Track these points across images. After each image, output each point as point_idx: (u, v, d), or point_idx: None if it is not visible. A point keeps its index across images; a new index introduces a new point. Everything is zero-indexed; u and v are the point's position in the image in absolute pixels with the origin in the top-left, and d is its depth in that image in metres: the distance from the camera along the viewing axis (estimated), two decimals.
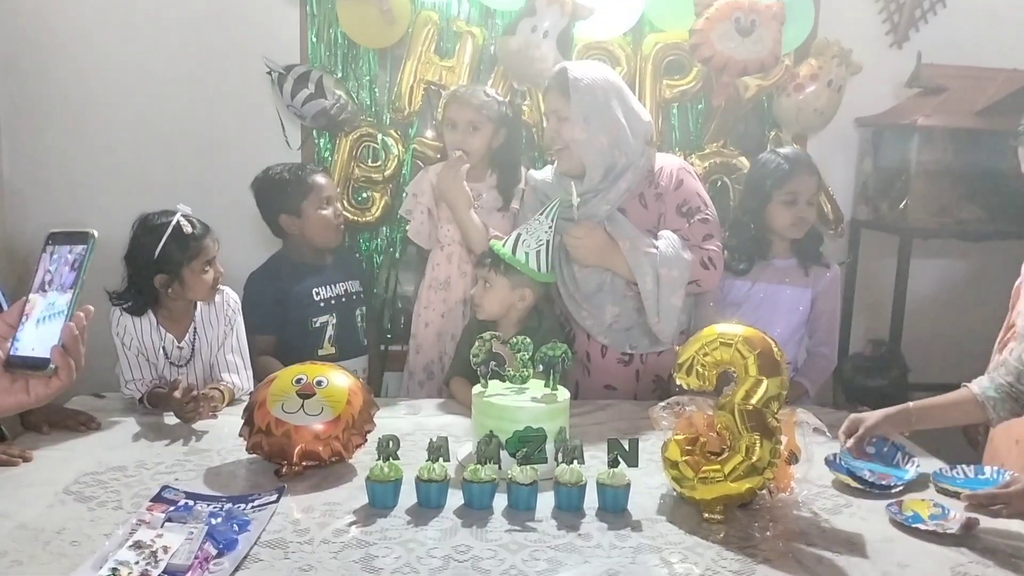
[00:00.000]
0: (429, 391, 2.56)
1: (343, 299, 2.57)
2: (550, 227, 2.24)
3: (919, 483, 1.80)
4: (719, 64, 2.65)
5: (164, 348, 2.17)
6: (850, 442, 1.82)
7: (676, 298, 2.27)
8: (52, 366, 1.00)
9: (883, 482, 1.79)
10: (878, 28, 3.07)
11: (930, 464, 1.89)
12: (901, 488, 1.77)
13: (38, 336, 1.01)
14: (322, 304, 2.52)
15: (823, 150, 3.04)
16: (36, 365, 1.00)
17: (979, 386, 1.84)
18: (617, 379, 2.38)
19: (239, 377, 2.25)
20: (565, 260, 2.35)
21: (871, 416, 1.84)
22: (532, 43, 2.66)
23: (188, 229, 2.08)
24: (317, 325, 2.50)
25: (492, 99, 2.53)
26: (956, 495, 1.73)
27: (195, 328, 2.21)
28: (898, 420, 1.85)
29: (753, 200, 2.49)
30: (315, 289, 2.51)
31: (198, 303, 2.22)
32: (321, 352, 2.50)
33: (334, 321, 2.53)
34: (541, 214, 2.25)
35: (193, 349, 2.21)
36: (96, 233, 1.03)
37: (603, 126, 2.25)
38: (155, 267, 2.08)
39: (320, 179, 2.51)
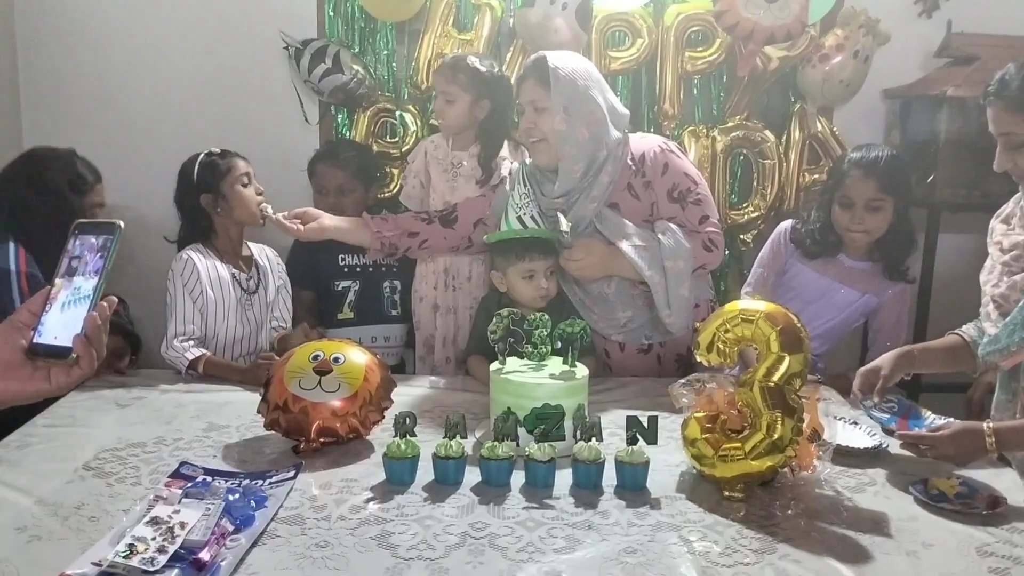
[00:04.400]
0: (430, 365, 2.58)
1: (370, 268, 2.65)
2: (529, 192, 2.27)
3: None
4: (745, 32, 2.61)
5: (234, 275, 2.35)
6: (875, 395, 1.84)
7: (684, 288, 2.23)
8: (74, 355, 1.00)
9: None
10: None
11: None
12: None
13: (62, 323, 1.01)
14: (346, 269, 2.65)
15: (849, 122, 3.00)
16: (58, 353, 1.00)
17: (968, 332, 1.92)
18: (640, 368, 2.35)
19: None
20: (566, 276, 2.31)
21: (882, 363, 1.87)
22: (551, 15, 2.64)
23: (216, 150, 2.34)
24: (339, 288, 2.64)
25: (472, 68, 2.44)
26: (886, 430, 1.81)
27: (256, 262, 2.44)
28: (903, 362, 1.90)
29: (825, 193, 2.43)
30: (342, 255, 2.63)
31: (251, 245, 2.46)
32: (340, 315, 2.67)
33: (356, 287, 2.65)
34: (520, 185, 2.27)
35: (259, 279, 2.43)
36: (123, 224, 1.04)
37: (583, 118, 2.17)
38: (198, 189, 2.31)
39: (321, 168, 2.64)
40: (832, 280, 2.36)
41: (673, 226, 2.23)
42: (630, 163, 2.24)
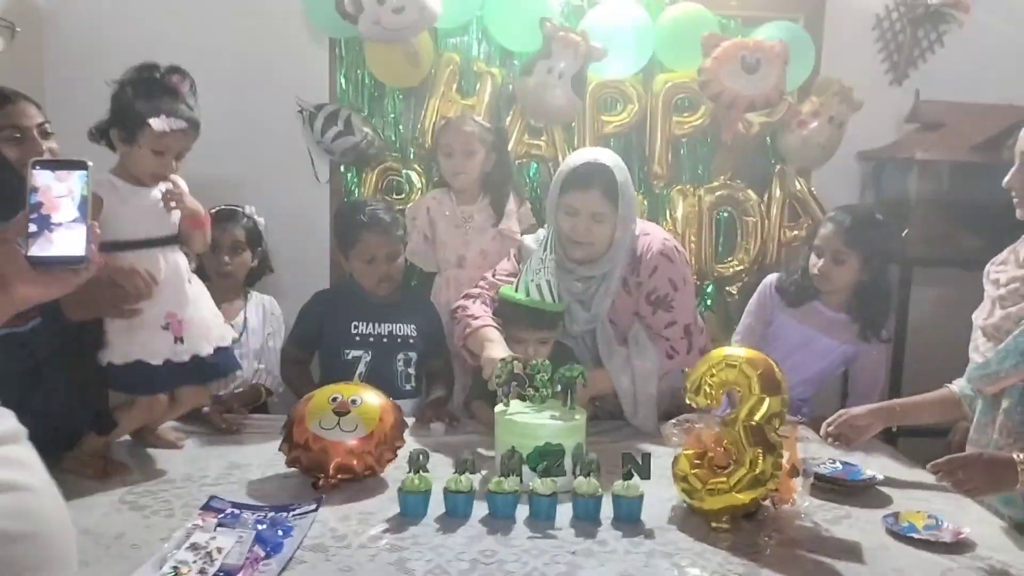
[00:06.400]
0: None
1: (384, 339, 2.55)
2: (551, 258, 2.26)
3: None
4: (727, 100, 2.80)
5: None
6: (831, 428, 2.04)
7: (652, 387, 2.32)
8: (84, 261, 1.17)
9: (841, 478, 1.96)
10: (878, 66, 3.22)
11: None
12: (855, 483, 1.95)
13: (58, 238, 1.16)
14: (358, 338, 2.53)
15: (827, 183, 3.19)
16: (70, 262, 1.17)
17: (957, 385, 2.04)
18: None
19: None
20: None
21: (858, 409, 2.05)
22: (548, 83, 2.82)
23: None
24: (349, 358, 2.52)
25: (480, 125, 2.71)
26: (833, 482, 1.93)
27: (245, 314, 2.58)
28: (882, 414, 2.08)
29: (805, 243, 2.64)
30: (355, 322, 2.54)
31: (253, 295, 2.63)
32: None
33: (368, 358, 2.52)
34: (540, 249, 2.26)
35: (243, 329, 2.54)
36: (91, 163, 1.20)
37: (632, 222, 2.30)
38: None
39: (369, 237, 2.51)
40: (812, 329, 2.53)
41: (642, 334, 2.33)
42: (630, 258, 2.33)
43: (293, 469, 1.91)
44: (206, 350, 1.96)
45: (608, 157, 2.30)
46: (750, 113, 2.94)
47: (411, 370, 2.59)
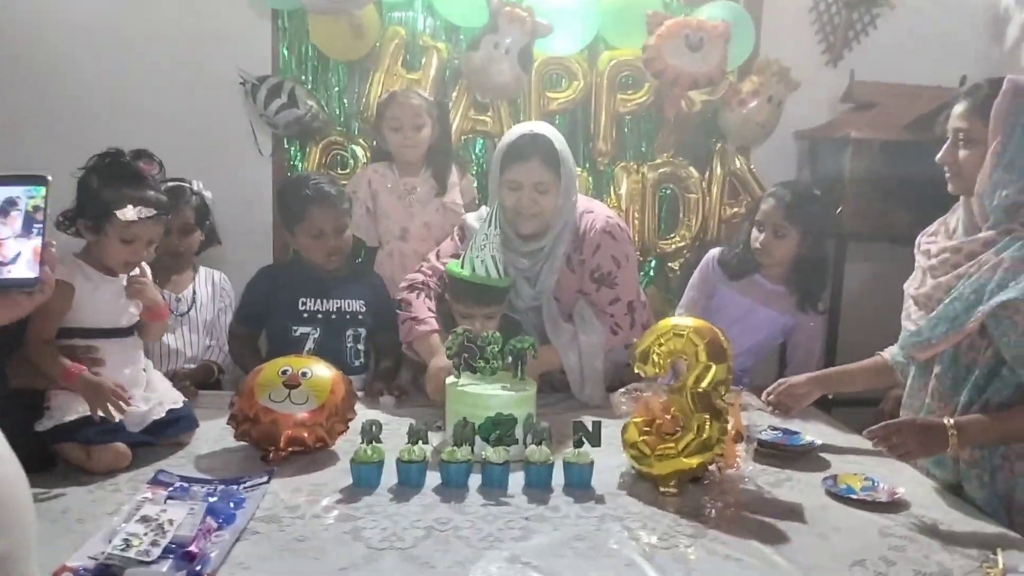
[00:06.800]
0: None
1: (332, 315, 2.52)
2: (496, 233, 2.24)
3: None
4: (670, 77, 2.84)
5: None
6: (771, 396, 2.15)
7: (599, 362, 2.34)
8: (38, 284, 1.16)
9: (782, 444, 2.03)
10: (815, 47, 3.30)
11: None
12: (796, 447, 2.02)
13: (14, 260, 1.15)
14: (306, 315, 2.50)
15: (764, 161, 3.25)
16: (24, 284, 1.16)
17: (889, 353, 2.13)
18: None
19: None
20: None
21: (797, 377, 2.18)
22: (494, 58, 2.81)
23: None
24: (297, 334, 2.49)
25: (425, 99, 2.72)
26: (775, 448, 2.00)
27: (195, 287, 2.55)
28: (820, 382, 2.21)
29: (747, 218, 2.70)
30: (302, 299, 2.50)
31: (201, 270, 2.58)
32: None
33: (316, 335, 2.49)
34: (485, 224, 2.24)
35: (192, 302, 2.53)
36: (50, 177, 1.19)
37: (574, 192, 2.32)
38: None
39: (316, 211, 2.46)
40: (753, 301, 2.61)
41: (587, 311, 2.36)
42: (573, 235, 2.35)
43: (242, 443, 1.89)
44: (157, 413, 1.90)
45: (544, 128, 2.32)
46: (692, 91, 2.99)
47: (360, 346, 2.57)
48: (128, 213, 1.78)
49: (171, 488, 1.64)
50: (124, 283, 1.89)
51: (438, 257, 2.45)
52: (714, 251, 2.72)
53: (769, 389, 2.22)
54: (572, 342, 2.33)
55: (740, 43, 3.00)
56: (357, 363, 2.56)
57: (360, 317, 2.56)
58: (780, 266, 2.60)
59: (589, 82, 3.06)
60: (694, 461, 1.73)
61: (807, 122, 3.25)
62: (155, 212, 1.83)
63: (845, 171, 3.03)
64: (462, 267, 2.26)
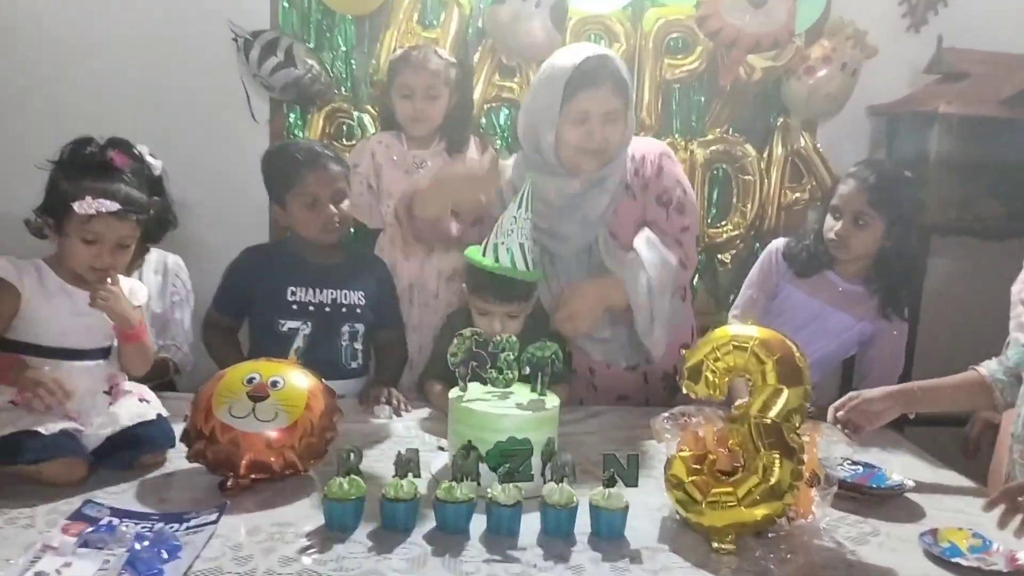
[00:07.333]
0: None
1: (326, 308, 2.16)
2: (527, 217, 1.94)
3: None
4: (728, 38, 2.47)
5: None
6: (840, 412, 1.78)
7: (667, 299, 2.08)
8: None
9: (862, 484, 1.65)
10: (894, 10, 2.89)
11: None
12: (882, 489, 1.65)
13: None
14: (295, 307, 2.13)
15: (831, 140, 2.88)
16: None
17: (987, 368, 1.80)
18: (627, 387, 2.18)
19: None
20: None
21: (873, 391, 1.78)
22: (524, 14, 2.48)
23: None
24: (285, 329, 2.13)
25: (446, 61, 2.36)
26: (855, 490, 1.62)
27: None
28: (901, 398, 1.81)
29: (822, 203, 2.36)
30: (292, 288, 2.14)
31: (153, 252, 2.19)
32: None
33: (307, 330, 2.13)
34: (514, 207, 1.93)
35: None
36: None
37: (632, 118, 2.08)
38: None
39: (308, 175, 2.11)
40: (825, 303, 2.19)
41: (654, 237, 2.07)
42: (629, 163, 2.09)
43: (198, 465, 1.55)
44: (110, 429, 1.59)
45: (604, 48, 2.12)
46: (752, 56, 2.60)
47: (358, 345, 2.20)
48: (84, 206, 1.55)
49: (93, 528, 1.31)
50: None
51: None
52: (778, 242, 2.30)
53: (838, 404, 1.83)
54: (640, 273, 2.02)
55: (809, 2, 2.61)
56: (354, 364, 2.21)
57: (359, 311, 2.20)
58: (859, 261, 2.18)
59: (632, 44, 2.69)
60: (758, 513, 1.36)
61: (883, 96, 2.86)
62: (118, 207, 1.57)
63: (930, 152, 2.64)
64: (484, 254, 1.93)
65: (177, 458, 1.62)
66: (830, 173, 2.74)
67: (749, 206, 2.80)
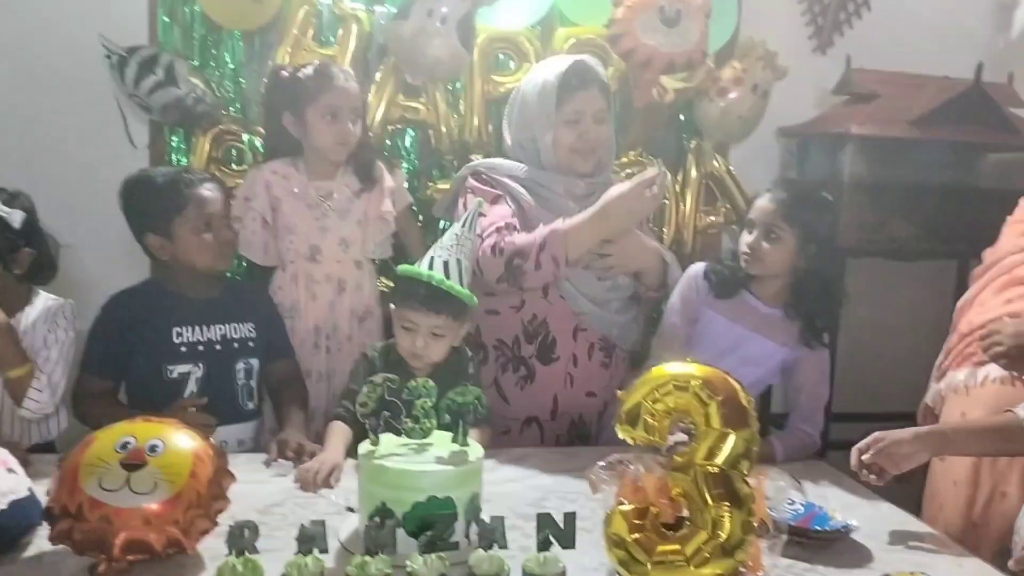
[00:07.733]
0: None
1: (217, 346, 1.99)
2: (470, 237, 1.84)
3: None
4: (643, 58, 2.36)
5: None
6: (866, 456, 1.61)
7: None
8: None
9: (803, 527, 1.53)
10: (801, 31, 2.88)
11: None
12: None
13: None
14: (184, 349, 1.96)
15: (745, 161, 2.81)
16: None
17: None
18: (599, 382, 2.16)
19: None
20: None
21: (900, 433, 1.61)
22: (428, 30, 2.31)
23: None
24: (174, 376, 1.95)
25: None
26: (798, 534, 1.51)
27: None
28: (931, 441, 1.63)
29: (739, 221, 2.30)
30: (177, 328, 1.96)
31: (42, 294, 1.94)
32: None
33: (200, 373, 1.96)
34: (459, 225, 1.83)
35: None
36: None
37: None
38: None
39: (197, 195, 1.94)
40: (747, 329, 2.09)
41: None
42: None
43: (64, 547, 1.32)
44: None
45: (584, 55, 2.20)
46: (666, 77, 2.51)
47: (253, 382, 2.05)
48: None
49: None
50: None
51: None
52: (697, 265, 2.20)
53: (862, 445, 1.64)
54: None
55: (720, 21, 2.55)
56: (251, 405, 2.05)
57: (251, 344, 2.04)
58: (774, 281, 2.08)
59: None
60: (708, 572, 1.24)
61: (793, 117, 2.82)
62: None
63: (843, 173, 2.60)
64: (417, 265, 1.81)
65: (39, 538, 1.39)
66: (744, 196, 2.67)
67: (666, 230, 2.69)
